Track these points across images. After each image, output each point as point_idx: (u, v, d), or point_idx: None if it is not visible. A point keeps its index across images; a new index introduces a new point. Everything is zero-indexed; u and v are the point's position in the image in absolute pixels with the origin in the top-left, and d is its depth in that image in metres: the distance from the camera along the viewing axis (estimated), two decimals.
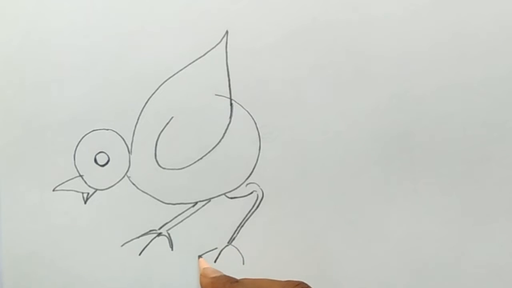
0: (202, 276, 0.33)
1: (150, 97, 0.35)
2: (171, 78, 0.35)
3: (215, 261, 0.35)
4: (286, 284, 0.29)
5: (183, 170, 0.35)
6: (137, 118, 0.35)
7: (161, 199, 0.35)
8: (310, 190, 0.35)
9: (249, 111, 0.35)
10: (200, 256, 0.35)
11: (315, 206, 0.35)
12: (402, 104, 0.35)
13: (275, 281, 0.30)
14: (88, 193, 0.35)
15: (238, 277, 0.32)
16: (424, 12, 0.35)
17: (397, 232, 0.35)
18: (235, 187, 0.35)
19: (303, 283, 0.30)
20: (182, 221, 0.35)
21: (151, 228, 0.36)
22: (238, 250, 0.35)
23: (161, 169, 0.35)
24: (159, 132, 0.35)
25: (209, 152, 0.35)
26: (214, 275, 0.33)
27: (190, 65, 0.35)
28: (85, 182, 0.35)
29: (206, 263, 0.35)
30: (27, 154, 0.35)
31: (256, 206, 0.35)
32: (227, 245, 0.36)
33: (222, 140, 0.35)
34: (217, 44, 0.35)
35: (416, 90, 0.35)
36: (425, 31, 0.35)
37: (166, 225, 0.35)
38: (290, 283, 0.29)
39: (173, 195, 0.35)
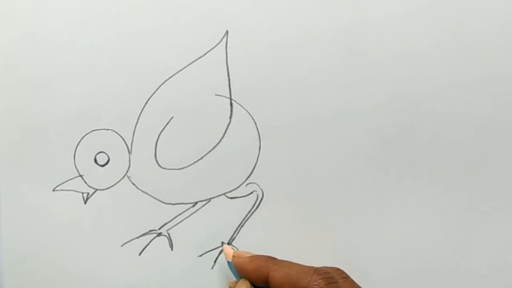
0: (236, 257, 0.32)
1: (150, 97, 0.35)
2: (171, 78, 0.35)
3: (215, 261, 0.36)
4: (317, 269, 0.29)
5: (183, 170, 0.35)
6: (137, 118, 0.35)
7: (161, 199, 0.35)
8: (310, 190, 0.35)
9: (249, 111, 0.35)
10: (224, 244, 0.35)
11: (315, 206, 0.35)
12: (402, 104, 0.35)
13: (309, 266, 0.30)
14: (88, 193, 0.35)
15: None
16: (425, 12, 0.35)
17: (397, 232, 0.35)
18: (235, 187, 0.35)
19: (339, 269, 0.30)
20: (182, 221, 0.35)
21: (151, 228, 0.36)
22: (238, 250, 0.35)
23: (161, 169, 0.35)
24: (159, 132, 0.35)
25: (209, 152, 0.35)
26: (248, 254, 0.32)
27: (190, 65, 0.35)
28: (85, 182, 0.35)
29: (230, 248, 0.34)
30: (27, 154, 0.35)
31: (256, 206, 0.35)
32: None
33: (222, 140, 0.35)
34: (217, 44, 0.35)
35: (416, 90, 0.35)
36: (425, 31, 0.35)
37: (166, 225, 0.35)
38: (323, 269, 0.29)
39: (173, 195, 0.35)
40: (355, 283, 0.30)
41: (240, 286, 0.31)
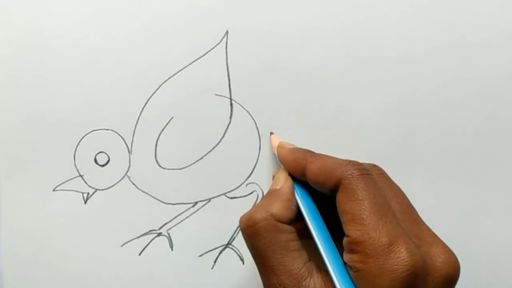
0: (280, 147, 0.33)
1: (150, 97, 0.35)
2: (171, 78, 0.35)
3: (215, 261, 0.36)
4: (352, 161, 0.28)
5: (183, 170, 0.35)
6: (137, 118, 0.35)
7: (161, 199, 0.35)
8: None
9: (249, 111, 0.35)
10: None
11: None
12: (402, 104, 0.35)
13: (344, 159, 0.29)
14: (88, 193, 0.35)
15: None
16: (426, 13, 0.35)
17: None
18: (235, 187, 0.35)
19: (375, 165, 0.29)
20: (182, 221, 0.35)
21: (151, 228, 0.36)
22: (238, 250, 0.35)
23: (161, 169, 0.35)
24: (159, 132, 0.35)
25: (209, 152, 0.35)
26: (291, 146, 0.33)
27: (190, 65, 0.35)
28: (85, 182, 0.35)
29: (276, 138, 0.35)
30: (27, 154, 0.35)
31: None
32: (227, 245, 0.36)
33: (222, 140, 0.35)
34: (217, 44, 0.35)
35: (417, 91, 0.35)
36: (427, 31, 0.35)
37: (166, 225, 0.35)
38: (357, 161, 0.28)
39: (173, 195, 0.35)
40: (390, 179, 0.29)
41: (279, 175, 0.31)
